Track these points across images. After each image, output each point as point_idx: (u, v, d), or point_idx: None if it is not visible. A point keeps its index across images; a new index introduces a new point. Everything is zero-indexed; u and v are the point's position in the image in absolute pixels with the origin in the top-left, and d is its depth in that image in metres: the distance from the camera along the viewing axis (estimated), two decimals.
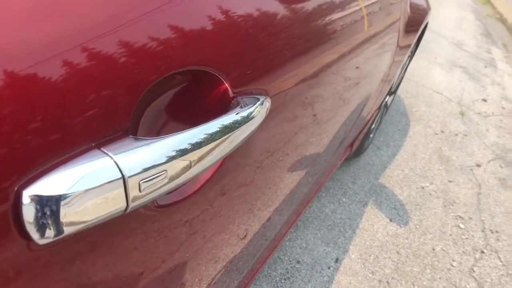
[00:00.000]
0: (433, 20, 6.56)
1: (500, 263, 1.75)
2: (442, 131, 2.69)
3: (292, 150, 0.76)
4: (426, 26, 2.07)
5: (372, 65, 1.27)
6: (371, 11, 1.03)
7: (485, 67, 4.60)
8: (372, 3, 1.05)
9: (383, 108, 2.07)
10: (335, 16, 0.78)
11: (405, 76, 3.50)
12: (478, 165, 2.42)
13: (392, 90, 2.16)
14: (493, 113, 3.26)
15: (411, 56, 2.14)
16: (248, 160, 0.59)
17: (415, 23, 1.72)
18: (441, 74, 3.85)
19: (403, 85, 3.27)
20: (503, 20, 8.61)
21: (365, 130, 1.75)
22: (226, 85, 0.46)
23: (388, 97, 2.06)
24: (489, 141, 2.75)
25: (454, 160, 2.39)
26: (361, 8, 0.94)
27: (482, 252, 1.79)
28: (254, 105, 0.46)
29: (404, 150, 2.36)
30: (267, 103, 0.51)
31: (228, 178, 0.54)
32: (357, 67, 1.02)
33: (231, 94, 0.47)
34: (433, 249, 1.73)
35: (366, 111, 1.51)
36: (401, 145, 2.40)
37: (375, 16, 1.09)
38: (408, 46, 1.70)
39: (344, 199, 1.86)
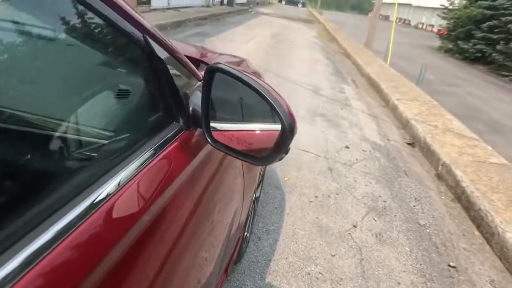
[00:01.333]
0: (289, 67, 7.09)
1: None
2: (316, 196, 2.74)
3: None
4: None
5: (227, 188, 1.18)
6: None
7: (342, 109, 5.03)
8: None
9: (253, 204, 1.99)
10: None
11: None
12: (355, 226, 2.49)
13: (259, 181, 2.11)
14: (356, 159, 3.49)
15: None
16: None
17: None
18: (304, 128, 4.05)
19: None
20: (347, 55, 9.75)
21: (238, 245, 1.63)
22: None
23: (256, 192, 2.00)
24: (359, 193, 2.89)
25: (332, 228, 2.43)
26: None
27: None
28: None
29: (284, 232, 2.31)
30: None
31: None
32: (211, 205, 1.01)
33: None
34: None
35: (235, 230, 1.38)
36: (280, 227, 2.35)
37: None
38: None
39: None
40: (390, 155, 3.74)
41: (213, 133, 0.88)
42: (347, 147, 3.74)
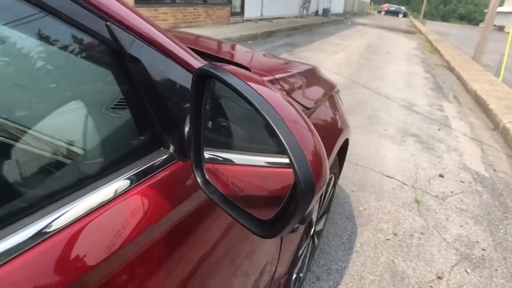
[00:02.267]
0: (382, 81, 6.55)
1: None
2: (395, 234, 2.32)
3: None
4: (347, 145, 1.76)
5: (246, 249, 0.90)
6: None
7: (439, 129, 4.41)
8: None
9: (310, 240, 1.69)
10: None
11: (352, 161, 3.22)
12: (440, 277, 2.02)
13: (322, 212, 1.80)
14: (452, 192, 2.95)
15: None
16: None
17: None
18: (392, 150, 3.59)
19: (349, 175, 2.96)
20: (451, 69, 8.79)
21: None
22: None
23: (316, 225, 1.70)
24: (451, 235, 2.39)
25: (410, 276, 2.00)
26: None
27: None
28: None
29: (349, 274, 1.95)
30: None
31: None
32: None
33: None
34: None
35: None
36: (345, 267, 2.00)
37: None
38: None
39: None
40: (496, 190, 3.10)
41: (207, 166, 0.61)
42: (441, 175, 3.20)
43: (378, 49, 11.28)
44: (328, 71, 6.74)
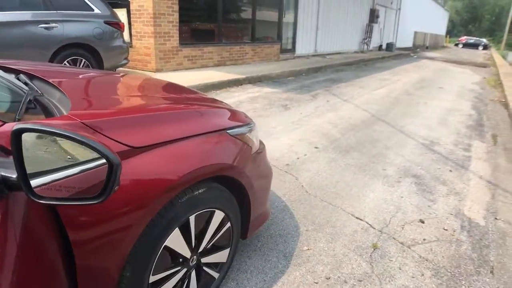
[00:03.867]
0: (413, 118, 6.25)
1: None
2: (327, 278, 2.21)
3: None
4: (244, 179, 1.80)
5: None
6: None
7: (451, 171, 4.09)
8: None
9: (190, 272, 1.71)
10: None
11: (325, 200, 3.13)
12: None
13: (212, 246, 1.82)
14: (424, 239, 2.72)
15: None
16: None
17: None
18: (379, 191, 3.41)
19: (315, 213, 2.90)
20: (506, 105, 8.09)
21: None
22: None
23: (202, 257, 1.73)
24: (393, 286, 2.20)
25: None
26: None
27: None
28: None
29: None
30: None
31: None
32: None
33: None
34: None
35: None
36: None
37: None
38: None
39: None
40: (484, 241, 2.79)
41: (37, 190, 0.89)
42: (421, 221, 2.97)
43: (430, 84, 10.75)
44: (354, 107, 6.62)
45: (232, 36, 10.34)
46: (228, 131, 1.82)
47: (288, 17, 12.43)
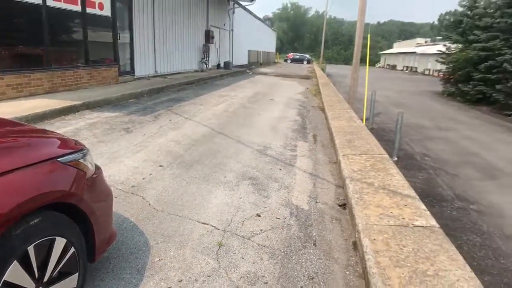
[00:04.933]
0: (249, 127, 6.95)
1: None
2: (180, 281, 2.40)
3: None
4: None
5: None
6: None
7: (280, 169, 4.75)
8: None
9: None
10: None
11: (173, 212, 3.32)
12: None
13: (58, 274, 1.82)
14: (261, 230, 3.15)
15: None
16: None
17: None
18: (220, 196, 3.77)
19: (164, 227, 3.04)
20: (323, 110, 9.60)
21: None
22: None
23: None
24: (238, 274, 2.53)
25: None
26: None
27: None
28: None
29: None
30: None
31: None
32: None
33: None
34: None
35: None
36: None
37: None
38: None
39: None
40: (307, 221, 3.39)
41: None
42: (258, 215, 3.42)
43: (263, 97, 12.03)
44: (196, 124, 7.01)
45: (63, 60, 9.66)
46: (59, 159, 1.87)
47: (124, 38, 12.25)
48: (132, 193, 3.67)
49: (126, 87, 10.55)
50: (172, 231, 3.00)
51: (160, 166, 4.52)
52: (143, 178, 4.08)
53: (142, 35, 13.26)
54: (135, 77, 12.81)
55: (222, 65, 23.73)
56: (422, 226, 3.08)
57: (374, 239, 2.81)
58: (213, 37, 21.05)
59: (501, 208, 5.40)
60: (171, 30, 15.93)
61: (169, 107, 8.60)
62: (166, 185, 3.94)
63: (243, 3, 28.04)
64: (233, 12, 26.41)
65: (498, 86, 16.85)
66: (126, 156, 4.77)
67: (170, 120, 7.19)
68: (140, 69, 13.31)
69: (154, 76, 14.12)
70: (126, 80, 12.09)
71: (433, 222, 3.17)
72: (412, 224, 3.10)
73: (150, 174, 4.21)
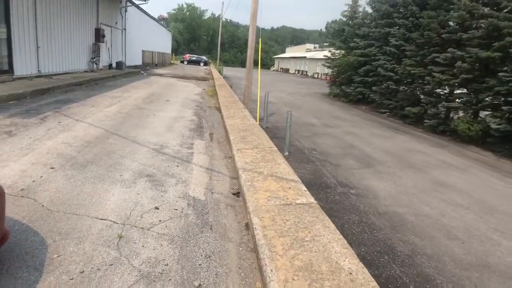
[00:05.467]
0: (144, 128, 6.98)
1: None
2: (82, 272, 2.50)
3: None
4: None
5: None
6: None
7: (178, 166, 4.96)
8: None
9: None
10: None
11: (67, 212, 3.31)
12: None
13: None
14: (160, 221, 3.35)
15: None
16: None
17: None
18: (118, 193, 3.85)
19: (60, 226, 3.05)
20: (219, 109, 9.98)
21: None
22: None
23: None
24: (139, 260, 2.71)
25: None
26: None
27: None
28: None
29: None
30: None
31: None
32: None
33: None
34: None
35: None
36: None
37: None
38: None
39: None
40: (204, 210, 3.68)
41: None
42: (156, 208, 3.61)
43: (158, 98, 11.98)
44: (88, 125, 6.80)
45: None
46: None
47: (0, 33, 11.05)
48: (22, 196, 3.54)
49: (4, 88, 9.58)
50: (70, 229, 3.03)
51: (52, 168, 4.38)
52: (33, 181, 3.93)
53: (22, 30, 12.11)
54: (14, 76, 11.65)
55: (114, 65, 22.70)
56: (303, 203, 3.61)
57: (262, 217, 3.23)
58: (104, 36, 20.03)
59: (375, 191, 6.39)
60: (57, 26, 14.79)
61: (57, 109, 8.12)
62: (60, 186, 3.88)
63: (136, 2, 27.14)
64: (126, 11, 25.40)
65: (374, 88, 19.38)
66: (12, 160, 4.50)
67: (59, 122, 6.83)
68: (21, 69, 12.14)
69: (37, 76, 12.98)
70: (3, 80, 10.94)
71: (311, 200, 3.73)
72: (295, 203, 3.61)
73: (41, 177, 4.07)
